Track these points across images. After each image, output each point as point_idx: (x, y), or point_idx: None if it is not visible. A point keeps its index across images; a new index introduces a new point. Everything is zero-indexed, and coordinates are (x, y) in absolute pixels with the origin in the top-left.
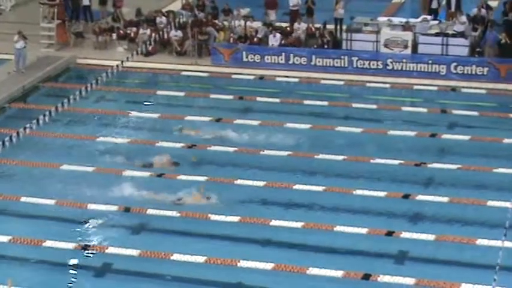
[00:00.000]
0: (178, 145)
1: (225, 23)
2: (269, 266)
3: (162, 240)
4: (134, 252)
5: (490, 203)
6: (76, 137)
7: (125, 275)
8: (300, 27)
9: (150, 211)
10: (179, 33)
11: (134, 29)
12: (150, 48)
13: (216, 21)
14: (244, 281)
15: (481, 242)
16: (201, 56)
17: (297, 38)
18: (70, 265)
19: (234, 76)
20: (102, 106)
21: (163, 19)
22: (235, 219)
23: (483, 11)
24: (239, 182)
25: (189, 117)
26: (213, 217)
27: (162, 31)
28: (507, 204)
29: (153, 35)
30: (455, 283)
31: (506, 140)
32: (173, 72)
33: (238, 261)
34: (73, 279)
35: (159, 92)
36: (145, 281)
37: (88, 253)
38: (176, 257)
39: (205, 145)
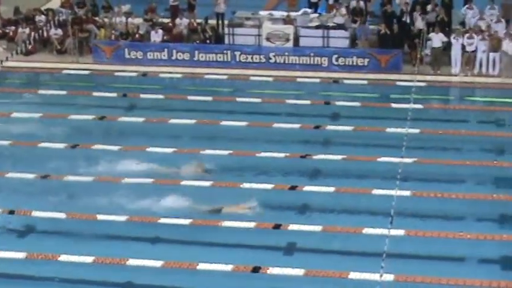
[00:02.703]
0: (62, 145)
1: (106, 20)
2: (158, 263)
3: (49, 241)
4: (20, 255)
5: (375, 191)
6: None
7: (11, 279)
8: (182, 22)
9: (36, 213)
10: (59, 31)
11: (13, 28)
12: (29, 47)
13: (97, 18)
14: (134, 280)
15: (367, 230)
16: (82, 54)
17: (179, 33)
18: None
19: (116, 73)
20: None
21: (43, 17)
22: (123, 218)
23: (361, 3)
24: (126, 180)
25: (72, 116)
26: (100, 217)
27: (41, 29)
28: (392, 192)
29: (33, 33)
30: (343, 272)
31: (388, 130)
32: (54, 71)
33: (127, 260)
34: None
35: (41, 92)
36: (33, 284)
37: None
38: (63, 258)
39: (90, 144)
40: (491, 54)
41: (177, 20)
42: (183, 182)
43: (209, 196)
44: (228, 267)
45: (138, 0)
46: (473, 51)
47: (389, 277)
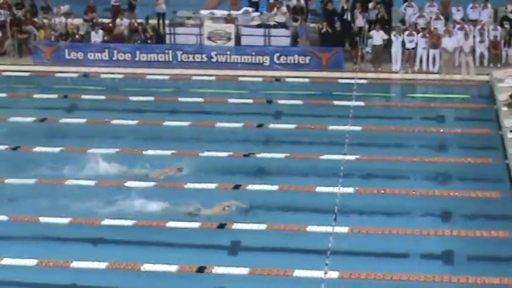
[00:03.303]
0: (2, 147)
1: (45, 20)
2: (102, 265)
3: None
4: None
5: (319, 189)
6: None
7: None
8: (123, 22)
9: None
10: None
11: None
12: None
13: (36, 19)
14: (78, 282)
15: (311, 228)
16: (22, 56)
17: (119, 33)
18: None
19: (57, 75)
20: None
21: None
22: (65, 220)
23: (302, 1)
24: (68, 182)
25: (13, 119)
26: (43, 219)
27: None
28: (335, 190)
29: None
30: (288, 270)
31: (331, 127)
32: None
33: (71, 262)
34: None
35: None
36: None
37: None
38: (6, 261)
39: (31, 146)
40: (431, 51)
41: (118, 21)
42: (127, 183)
43: (154, 197)
44: (173, 268)
45: (77, 1)
46: (413, 49)
47: (333, 274)
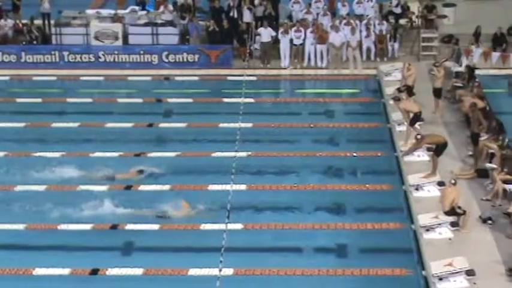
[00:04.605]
0: None
1: None
2: None
3: None
4: None
5: (211, 187)
6: None
7: None
8: (7, 23)
9: None
10: None
11: None
12: None
13: None
14: None
15: (204, 226)
16: None
17: (4, 35)
18: None
19: None
20: None
21: None
22: None
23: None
24: None
25: None
26: None
27: None
28: (227, 187)
29: None
30: (183, 269)
31: (221, 125)
32: None
33: None
34: None
35: None
36: None
37: None
38: None
39: None
40: (319, 47)
41: (2, 21)
42: (17, 188)
43: (45, 200)
44: (66, 271)
45: None
46: (301, 44)
47: (228, 271)
